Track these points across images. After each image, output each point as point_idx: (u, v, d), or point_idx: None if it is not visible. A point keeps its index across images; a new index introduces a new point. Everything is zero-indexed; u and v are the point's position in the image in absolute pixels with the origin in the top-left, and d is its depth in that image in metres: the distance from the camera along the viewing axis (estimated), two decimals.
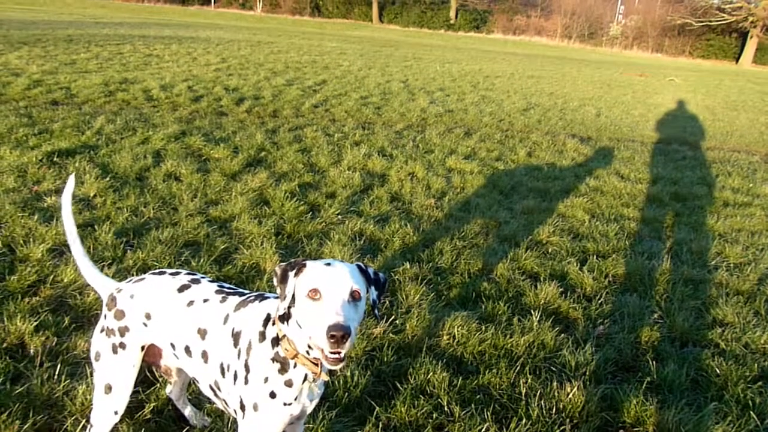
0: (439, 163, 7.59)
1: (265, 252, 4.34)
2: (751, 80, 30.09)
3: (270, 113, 9.92)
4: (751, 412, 3.03)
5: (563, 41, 56.52)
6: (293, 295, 1.82)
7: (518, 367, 3.28)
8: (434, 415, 2.86)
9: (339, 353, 1.70)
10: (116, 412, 2.23)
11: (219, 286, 2.17)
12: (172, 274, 2.22)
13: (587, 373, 3.28)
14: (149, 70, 13.29)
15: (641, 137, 11.03)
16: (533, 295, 4.15)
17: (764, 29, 49.34)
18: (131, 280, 2.24)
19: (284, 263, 1.88)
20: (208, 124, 8.51)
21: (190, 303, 2.09)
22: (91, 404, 2.33)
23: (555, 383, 3.16)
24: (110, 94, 10.18)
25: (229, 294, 2.11)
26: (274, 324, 1.92)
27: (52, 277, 3.76)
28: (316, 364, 1.87)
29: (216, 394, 2.11)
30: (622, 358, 3.50)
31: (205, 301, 2.09)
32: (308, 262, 1.84)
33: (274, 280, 1.85)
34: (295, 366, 1.90)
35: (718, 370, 3.40)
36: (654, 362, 3.42)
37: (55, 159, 6.16)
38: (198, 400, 2.84)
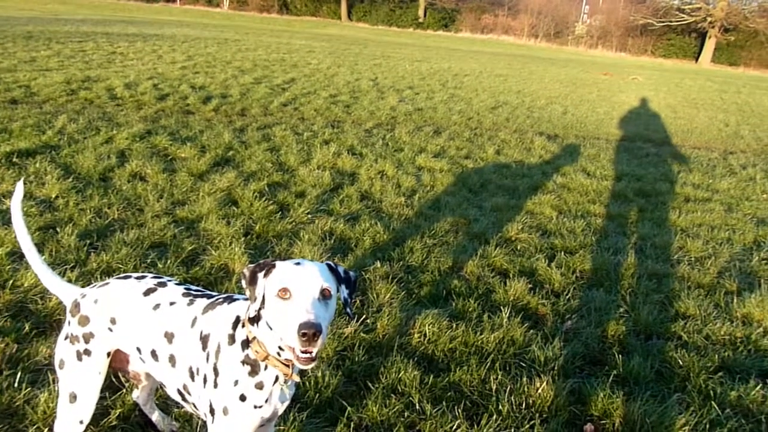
0: (409, 161, 7.61)
1: (233, 253, 4.28)
2: (710, 79, 30.97)
3: (238, 112, 9.80)
4: (713, 402, 3.12)
5: (530, 40, 57.28)
6: (263, 297, 1.79)
7: (488, 364, 3.31)
8: (406, 414, 2.87)
9: (310, 352, 1.69)
10: (81, 422, 2.17)
11: (186, 288, 2.13)
12: (137, 278, 2.17)
13: (556, 368, 3.33)
14: (113, 68, 13.00)
15: (606, 135, 11.25)
16: (503, 291, 4.19)
17: (722, 29, 50.86)
18: (95, 285, 2.19)
19: (253, 264, 1.86)
20: (174, 123, 8.36)
21: (156, 306, 2.05)
22: (55, 413, 2.27)
23: (525, 379, 3.20)
24: (72, 92, 9.91)
25: (196, 297, 2.08)
26: (243, 326, 1.89)
27: (11, 281, 3.64)
28: (287, 366, 1.86)
29: (184, 398, 2.07)
30: (589, 352, 3.57)
31: (172, 304, 2.05)
32: (277, 262, 1.83)
33: (243, 282, 1.82)
34: (265, 368, 1.88)
35: (681, 362, 3.49)
36: (620, 355, 3.49)
37: (14, 159, 5.97)
38: (165, 404, 2.79)
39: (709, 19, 50.66)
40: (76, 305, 2.13)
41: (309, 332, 1.64)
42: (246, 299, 1.94)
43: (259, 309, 1.81)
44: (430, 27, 59.83)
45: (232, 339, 1.90)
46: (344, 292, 1.88)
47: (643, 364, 3.40)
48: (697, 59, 52.15)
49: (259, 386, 1.89)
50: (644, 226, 5.97)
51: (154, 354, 2.05)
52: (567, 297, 4.23)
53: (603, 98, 17.39)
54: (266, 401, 1.92)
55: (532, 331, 3.71)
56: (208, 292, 2.14)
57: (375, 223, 5.22)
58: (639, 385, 3.25)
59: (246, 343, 1.88)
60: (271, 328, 1.79)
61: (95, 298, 2.11)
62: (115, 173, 5.92)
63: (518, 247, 5.11)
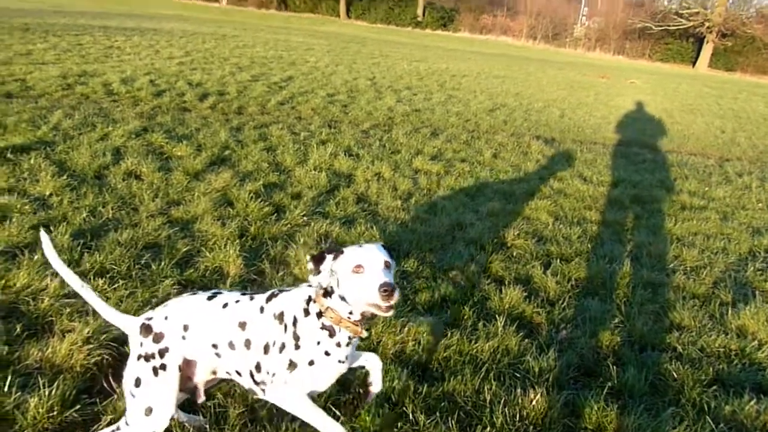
0: (406, 163, 7.59)
1: (228, 255, 4.25)
2: (706, 84, 31.07)
3: (235, 110, 9.76)
4: (707, 416, 3.12)
5: (528, 41, 57.31)
6: (337, 277, 2.22)
7: (483, 374, 3.29)
8: (399, 424, 2.85)
9: (390, 303, 2.12)
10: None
11: (241, 292, 2.46)
12: (191, 293, 2.46)
13: (550, 379, 3.32)
14: (110, 63, 12.93)
15: (603, 139, 11.26)
16: (498, 299, 4.18)
17: (719, 35, 51.01)
18: (155, 310, 2.40)
19: (316, 253, 2.28)
20: (171, 120, 8.32)
21: (225, 305, 2.36)
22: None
23: (519, 390, 3.18)
24: (68, 87, 9.85)
25: (254, 294, 2.41)
26: (315, 302, 2.29)
27: (3, 281, 3.60)
28: (357, 325, 2.27)
29: (254, 378, 2.33)
30: (584, 363, 3.56)
31: (237, 301, 2.38)
32: (345, 249, 2.25)
33: (311, 264, 2.23)
34: (339, 330, 2.28)
35: (675, 375, 3.49)
36: (615, 367, 3.49)
37: (8, 155, 5.91)
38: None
39: (707, 24, 50.81)
40: (146, 327, 2.32)
41: (389, 288, 2.10)
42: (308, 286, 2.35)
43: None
44: (428, 26, 59.77)
45: (306, 312, 2.29)
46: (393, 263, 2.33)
47: (637, 377, 3.40)
48: (694, 64, 52.30)
49: (338, 345, 2.29)
50: (640, 233, 5.97)
51: (231, 344, 2.32)
52: (562, 306, 4.22)
53: (600, 102, 17.42)
54: (346, 358, 2.31)
55: (527, 340, 3.70)
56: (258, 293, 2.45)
57: (371, 227, 5.19)
58: (633, 398, 3.24)
59: (319, 315, 2.28)
60: (347, 301, 2.21)
61: (164, 315, 2.34)
62: (110, 171, 5.88)
63: (514, 254, 5.10)
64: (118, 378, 2.91)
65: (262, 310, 2.33)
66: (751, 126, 15.99)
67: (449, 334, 3.62)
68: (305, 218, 5.28)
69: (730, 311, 4.37)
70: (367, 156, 7.62)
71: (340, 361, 2.30)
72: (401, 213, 5.77)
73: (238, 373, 2.37)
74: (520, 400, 3.10)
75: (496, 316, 3.90)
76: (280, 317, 2.30)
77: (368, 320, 2.33)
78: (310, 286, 2.33)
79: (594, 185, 7.63)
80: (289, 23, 43.95)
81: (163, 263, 4.07)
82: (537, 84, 20.38)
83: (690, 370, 3.52)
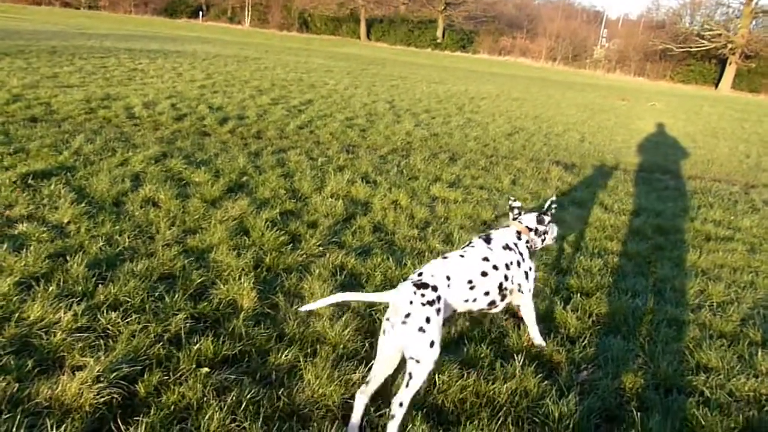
0: (423, 190, 7.53)
1: (242, 288, 4.21)
2: (730, 107, 30.67)
3: (254, 134, 9.81)
4: None
5: (547, 63, 57.34)
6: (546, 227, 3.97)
7: (500, 418, 3.18)
8: None
9: None
10: (435, 362, 2.91)
11: (460, 253, 3.53)
12: (434, 260, 3.40)
13: (571, 425, 3.19)
14: (133, 86, 13.15)
15: (624, 164, 11.09)
16: (516, 336, 4.07)
17: (743, 56, 50.51)
18: (414, 274, 3.22)
19: (541, 217, 3.94)
20: (190, 145, 8.38)
21: (462, 256, 3.43)
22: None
23: None
24: (91, 111, 10.02)
25: (469, 246, 3.63)
26: (521, 234, 3.81)
27: (17, 314, 3.60)
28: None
29: (500, 289, 3.53)
30: (606, 407, 3.42)
31: (466, 252, 3.51)
32: (544, 216, 3.97)
33: (544, 221, 3.97)
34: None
35: (703, 421, 3.33)
36: (638, 412, 3.35)
37: (29, 181, 5.99)
38: None
39: (729, 45, 50.41)
40: (423, 284, 3.02)
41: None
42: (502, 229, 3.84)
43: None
44: (448, 48, 60.20)
45: (519, 239, 3.78)
46: None
47: (662, 422, 3.25)
48: (717, 85, 51.78)
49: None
50: (663, 266, 5.80)
51: (483, 273, 3.42)
52: (583, 344, 4.09)
53: (621, 125, 17.25)
54: None
55: (546, 381, 3.58)
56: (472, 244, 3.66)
57: (387, 258, 5.12)
58: None
59: (526, 241, 3.80)
60: (546, 236, 4.02)
61: (430, 273, 3.18)
62: (128, 197, 5.90)
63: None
64: (127, 420, 2.88)
65: (491, 249, 3.56)
66: None
67: (465, 375, 3.52)
68: (321, 248, 5.23)
69: (760, 352, 4.19)
70: (384, 183, 7.57)
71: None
72: (418, 243, 5.70)
73: (486, 294, 3.41)
74: None
75: (515, 354, 3.79)
76: (506, 247, 3.64)
77: None
78: (507, 227, 3.83)
79: (615, 214, 7.48)
80: (309, 45, 44.55)
81: (176, 295, 4.04)
82: (556, 107, 20.28)
83: (719, 417, 3.37)
